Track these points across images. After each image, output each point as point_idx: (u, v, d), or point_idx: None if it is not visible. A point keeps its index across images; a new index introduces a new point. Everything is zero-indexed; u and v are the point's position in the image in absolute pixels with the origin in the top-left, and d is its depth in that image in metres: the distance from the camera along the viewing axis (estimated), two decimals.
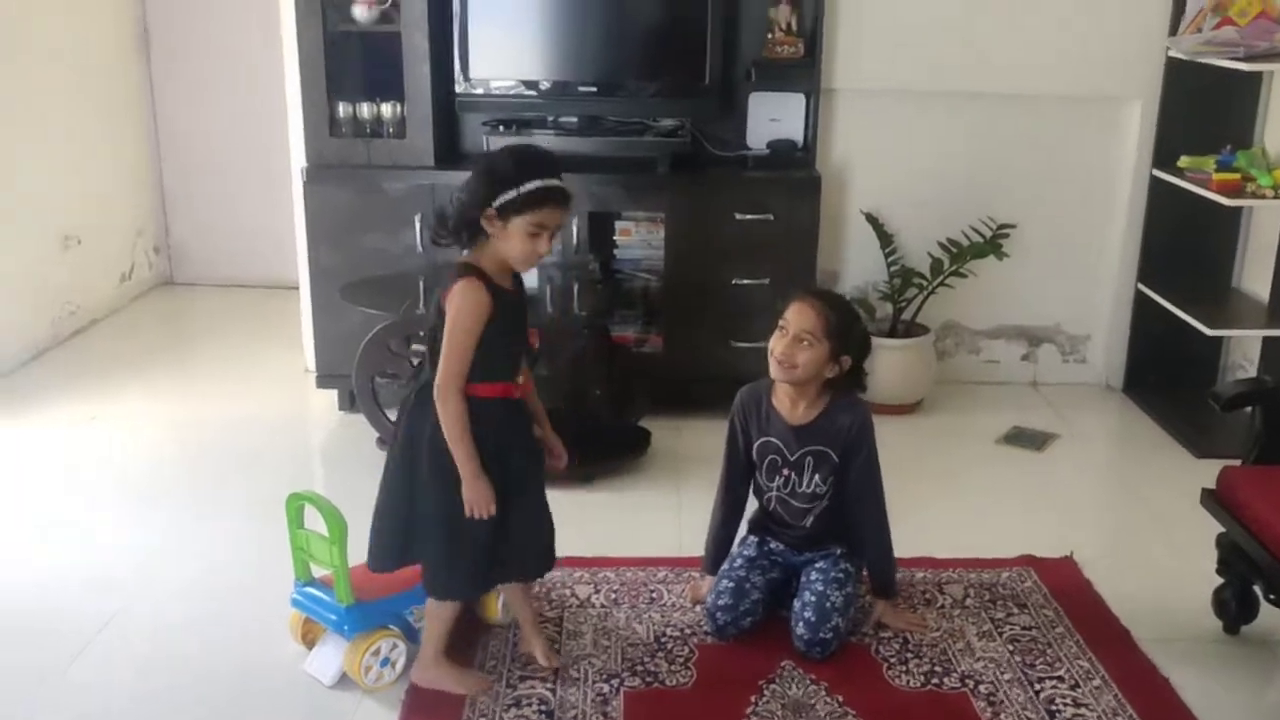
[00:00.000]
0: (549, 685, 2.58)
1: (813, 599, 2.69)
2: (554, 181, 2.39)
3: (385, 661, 2.59)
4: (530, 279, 3.48)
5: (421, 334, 3.73)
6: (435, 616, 2.56)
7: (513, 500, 2.48)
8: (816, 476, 2.75)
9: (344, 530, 2.52)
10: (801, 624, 2.67)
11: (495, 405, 2.45)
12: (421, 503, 2.46)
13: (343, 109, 4.02)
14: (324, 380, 4.18)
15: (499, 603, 2.78)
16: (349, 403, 4.13)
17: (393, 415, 3.63)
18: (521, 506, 2.51)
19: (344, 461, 3.83)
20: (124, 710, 2.52)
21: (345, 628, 2.56)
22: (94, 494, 3.57)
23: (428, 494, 2.45)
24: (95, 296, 5.29)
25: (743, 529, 2.93)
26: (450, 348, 2.37)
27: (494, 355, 2.42)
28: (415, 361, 3.63)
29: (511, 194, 2.34)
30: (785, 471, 2.77)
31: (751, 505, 2.91)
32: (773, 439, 2.77)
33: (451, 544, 2.46)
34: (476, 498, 2.40)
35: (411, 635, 2.65)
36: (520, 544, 2.55)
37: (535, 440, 2.59)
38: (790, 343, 2.65)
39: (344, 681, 2.60)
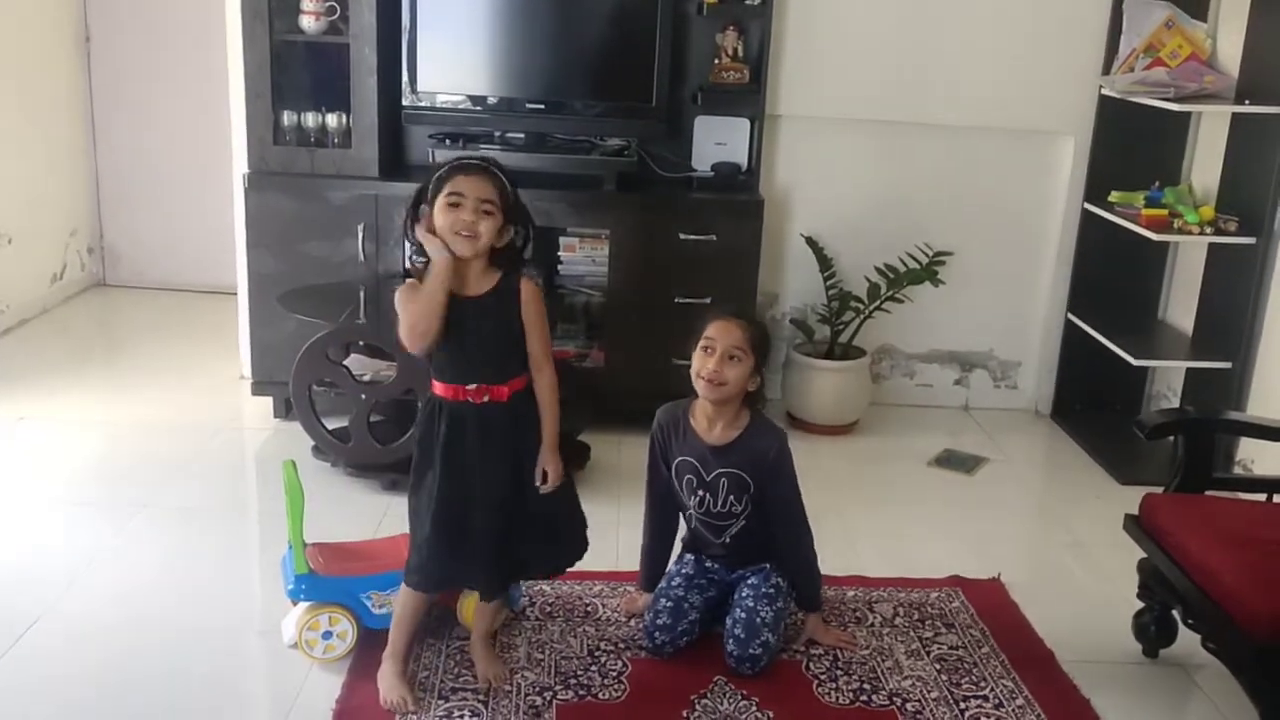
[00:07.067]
0: (480, 698, 2.58)
1: (743, 615, 2.72)
2: (468, 160, 2.47)
3: (328, 635, 2.65)
4: None
5: (361, 343, 3.73)
6: (397, 606, 2.61)
7: (475, 504, 2.49)
8: (731, 498, 2.77)
9: (301, 503, 2.64)
10: (732, 640, 2.70)
11: (444, 405, 2.48)
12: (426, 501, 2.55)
13: (287, 117, 4.00)
14: (259, 387, 4.15)
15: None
16: (284, 410, 4.10)
17: (329, 424, 3.65)
18: (484, 515, 2.51)
19: (278, 469, 3.76)
20: (49, 712, 2.49)
21: (296, 595, 2.67)
22: (22, 495, 3.51)
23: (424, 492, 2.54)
24: (25, 296, 5.20)
25: (679, 546, 2.95)
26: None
27: (440, 354, 2.48)
28: (361, 375, 3.61)
29: (432, 185, 2.43)
30: (700, 492, 2.79)
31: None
32: (689, 458, 2.79)
33: (412, 533, 2.54)
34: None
35: (370, 620, 2.68)
36: (479, 554, 2.53)
37: (514, 452, 2.53)
38: (719, 360, 2.68)
39: (276, 683, 2.61)
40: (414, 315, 2.41)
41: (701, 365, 2.70)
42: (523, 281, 2.51)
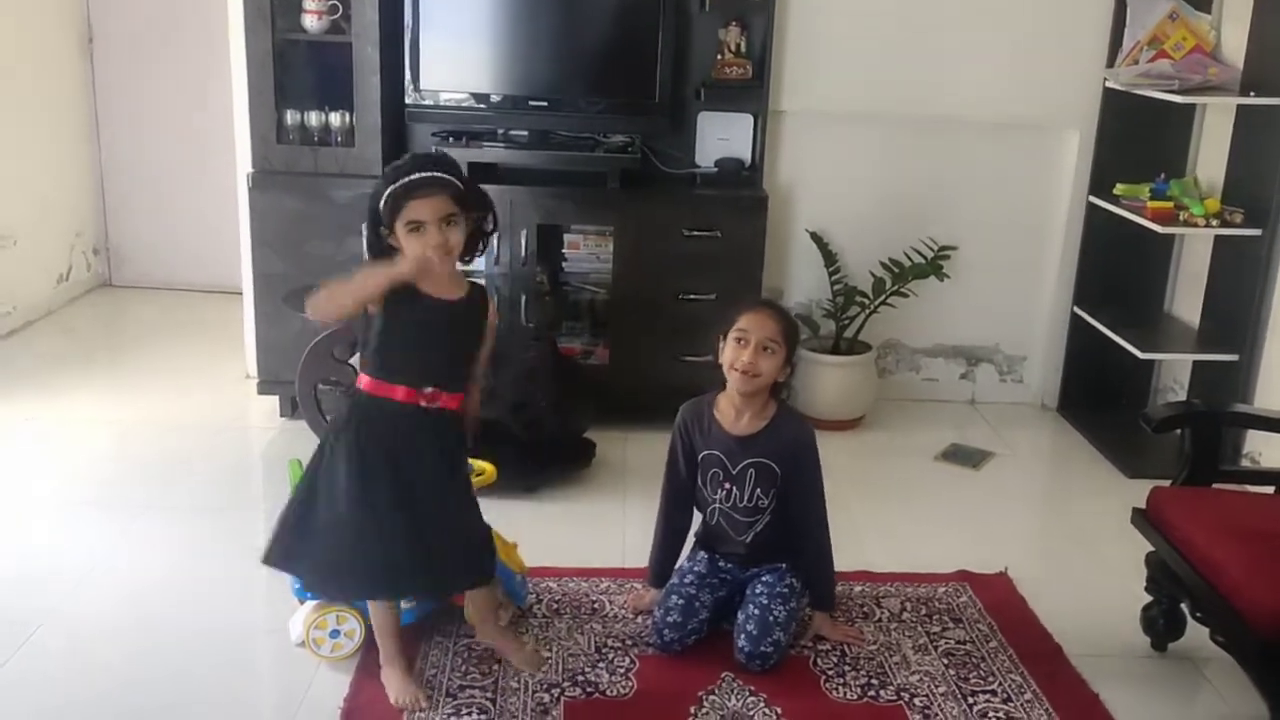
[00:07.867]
0: (489, 695, 2.58)
1: (756, 612, 2.71)
2: (413, 176, 2.36)
3: (336, 633, 2.66)
4: None
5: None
6: (374, 617, 2.58)
7: (418, 510, 2.42)
8: (758, 490, 2.77)
9: None
10: (744, 636, 2.69)
11: (393, 407, 2.41)
12: (323, 506, 2.44)
13: (290, 116, 4.00)
14: (265, 386, 4.15)
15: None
16: (290, 409, 4.10)
17: None
18: (434, 519, 2.45)
19: (284, 468, 3.77)
20: (57, 711, 2.49)
21: (303, 593, 2.69)
22: (29, 496, 3.51)
23: (323, 497, 2.44)
24: (31, 297, 5.20)
25: (691, 542, 2.95)
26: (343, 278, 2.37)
27: (392, 350, 2.41)
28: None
29: (384, 208, 2.37)
30: (727, 485, 2.79)
31: (697, 520, 2.93)
32: (715, 451, 2.79)
33: (350, 546, 2.43)
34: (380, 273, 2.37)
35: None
36: (436, 556, 2.48)
37: (453, 454, 2.53)
38: (754, 352, 2.67)
39: (284, 682, 2.61)
40: (348, 293, 2.35)
41: (735, 357, 2.69)
42: (485, 297, 2.55)
